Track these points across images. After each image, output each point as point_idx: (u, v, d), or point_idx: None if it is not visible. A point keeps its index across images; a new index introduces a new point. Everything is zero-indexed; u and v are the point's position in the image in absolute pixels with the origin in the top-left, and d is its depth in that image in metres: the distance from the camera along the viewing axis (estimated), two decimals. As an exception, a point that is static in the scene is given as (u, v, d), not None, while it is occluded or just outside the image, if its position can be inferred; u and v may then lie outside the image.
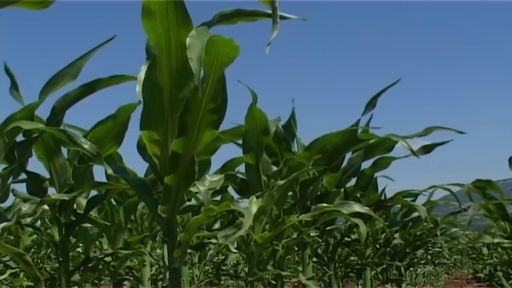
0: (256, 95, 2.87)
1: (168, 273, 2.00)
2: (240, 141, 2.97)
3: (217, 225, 4.47)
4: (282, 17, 1.72)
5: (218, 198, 3.43)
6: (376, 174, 3.87)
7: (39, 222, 4.47)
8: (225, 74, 1.70)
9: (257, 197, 2.50)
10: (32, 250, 5.64)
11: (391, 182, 4.18)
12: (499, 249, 8.68)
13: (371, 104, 3.31)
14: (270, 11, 1.85)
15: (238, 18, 1.91)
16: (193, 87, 1.66)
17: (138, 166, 2.94)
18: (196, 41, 1.54)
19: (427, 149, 3.36)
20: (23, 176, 2.39)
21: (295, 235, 3.11)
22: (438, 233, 5.52)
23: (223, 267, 5.04)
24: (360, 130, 3.25)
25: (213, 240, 3.53)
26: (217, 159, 3.94)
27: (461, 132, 3.15)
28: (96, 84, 2.27)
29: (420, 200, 4.73)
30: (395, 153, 3.50)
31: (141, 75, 1.81)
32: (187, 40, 1.55)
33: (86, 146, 1.94)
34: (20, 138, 2.23)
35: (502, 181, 3.58)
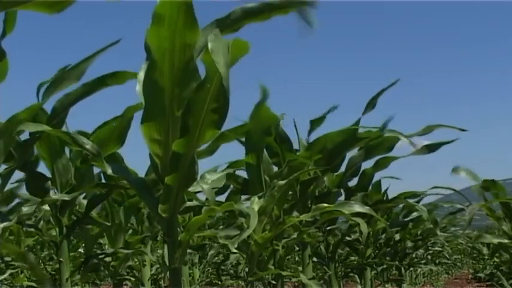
0: (267, 91, 2.72)
1: (168, 273, 1.99)
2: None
3: (220, 226, 4.47)
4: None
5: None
6: (381, 175, 3.84)
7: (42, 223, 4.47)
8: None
9: (259, 197, 2.49)
10: (34, 250, 5.63)
11: (393, 183, 4.17)
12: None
13: (371, 104, 3.29)
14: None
15: (270, 13, 1.70)
16: (196, 87, 1.65)
17: (138, 166, 2.93)
18: (219, 44, 1.51)
19: (430, 148, 3.33)
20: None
21: (295, 235, 3.11)
22: (438, 232, 5.53)
23: (223, 267, 5.04)
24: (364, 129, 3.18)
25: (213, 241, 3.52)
26: (222, 160, 3.92)
27: (463, 130, 3.13)
28: (99, 83, 2.25)
29: (423, 201, 4.73)
30: (398, 153, 3.42)
31: (141, 74, 1.79)
32: (210, 45, 1.52)
33: (88, 147, 1.94)
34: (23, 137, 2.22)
35: (503, 181, 3.57)
